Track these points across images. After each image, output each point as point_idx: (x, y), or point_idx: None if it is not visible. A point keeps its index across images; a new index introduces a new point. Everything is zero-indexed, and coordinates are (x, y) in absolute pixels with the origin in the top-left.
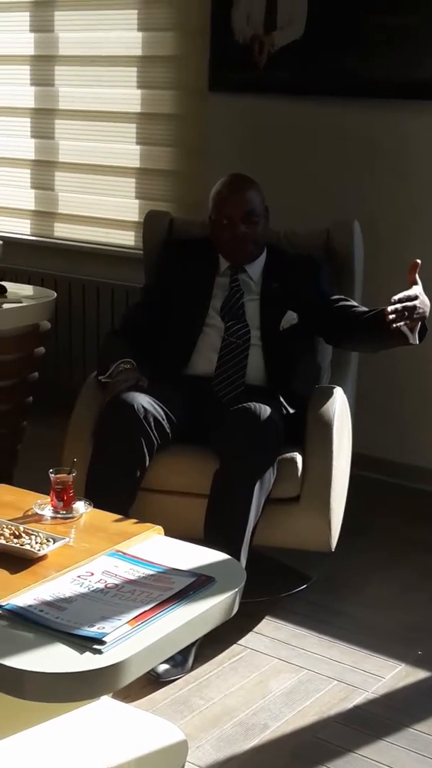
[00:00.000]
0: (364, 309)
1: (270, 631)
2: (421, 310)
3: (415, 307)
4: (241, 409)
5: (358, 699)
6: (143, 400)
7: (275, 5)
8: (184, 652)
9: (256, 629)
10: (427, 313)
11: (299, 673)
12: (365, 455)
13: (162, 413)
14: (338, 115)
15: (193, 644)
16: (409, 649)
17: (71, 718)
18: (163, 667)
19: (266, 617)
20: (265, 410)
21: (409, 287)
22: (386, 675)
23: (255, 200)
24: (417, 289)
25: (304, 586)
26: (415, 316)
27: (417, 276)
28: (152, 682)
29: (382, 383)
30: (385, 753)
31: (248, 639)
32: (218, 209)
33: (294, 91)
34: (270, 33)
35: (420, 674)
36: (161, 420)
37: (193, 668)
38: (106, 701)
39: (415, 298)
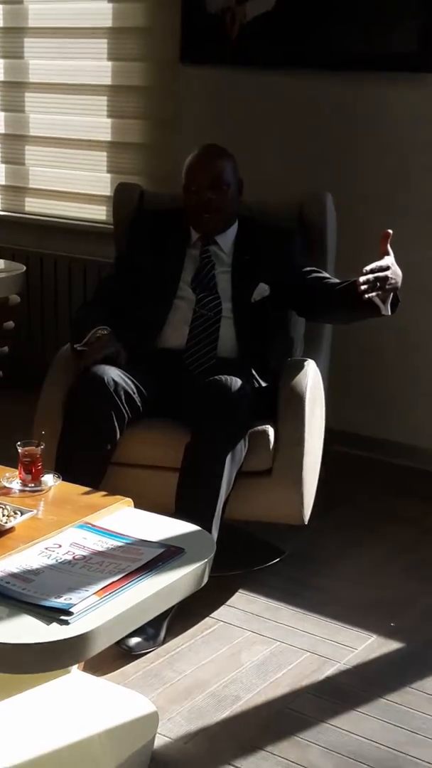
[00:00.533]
0: (336, 281)
1: (243, 604)
2: (393, 281)
3: (386, 277)
4: (211, 382)
5: (330, 670)
6: (113, 374)
7: None
8: (156, 626)
9: (229, 602)
10: (399, 284)
11: (271, 645)
12: (342, 431)
13: (133, 387)
14: (311, 86)
15: (165, 617)
16: (381, 621)
17: (42, 691)
18: (135, 640)
19: (239, 590)
20: (236, 382)
21: (381, 258)
22: (358, 646)
23: (224, 168)
24: (389, 260)
25: (278, 559)
26: (387, 286)
27: (389, 247)
28: (124, 655)
29: (361, 358)
30: (357, 723)
31: (221, 612)
32: (188, 177)
33: (266, 62)
34: (242, 3)
35: (392, 645)
36: (132, 393)
37: (165, 641)
38: (76, 674)
39: (387, 268)
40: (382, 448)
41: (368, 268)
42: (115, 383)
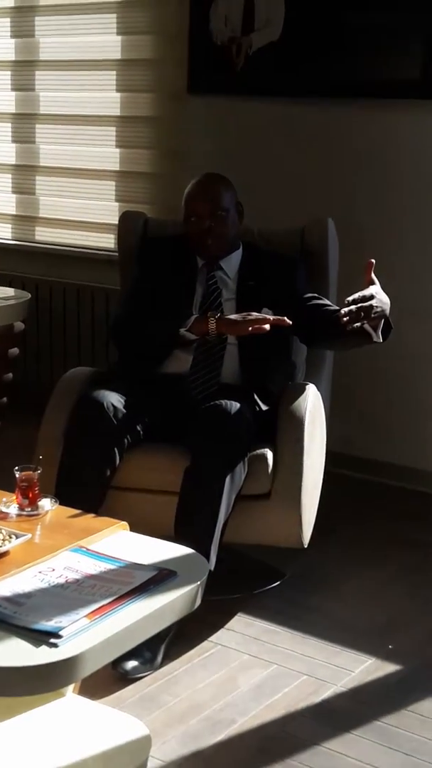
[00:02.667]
0: (335, 308)
1: (242, 627)
2: (378, 309)
3: (371, 306)
4: (212, 407)
5: (327, 693)
6: (113, 399)
7: (253, 7)
8: (153, 650)
9: (227, 626)
10: (387, 311)
11: (269, 668)
12: (344, 454)
13: (133, 411)
14: (315, 115)
15: (162, 641)
16: (380, 644)
17: (37, 714)
18: (132, 664)
19: (239, 614)
20: (236, 407)
21: (365, 287)
22: (356, 669)
23: (222, 195)
24: (373, 289)
25: (278, 582)
26: (372, 315)
27: (373, 275)
28: (121, 679)
29: (363, 381)
30: (353, 746)
31: (219, 636)
32: (187, 207)
33: (272, 92)
34: (248, 34)
35: (389, 668)
36: (131, 418)
37: (162, 665)
38: (71, 698)
39: (371, 297)
40: (385, 471)
41: (350, 298)
42: (115, 408)
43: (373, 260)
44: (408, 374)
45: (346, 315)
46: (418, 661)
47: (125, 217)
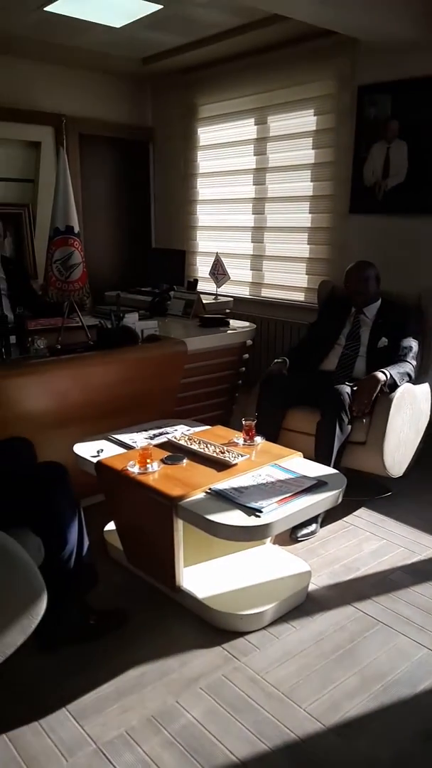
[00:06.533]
0: (397, 361)
1: (365, 515)
2: (367, 395)
3: (363, 398)
4: (332, 388)
5: (415, 558)
6: (281, 379)
7: (389, 163)
8: (315, 523)
9: (356, 513)
10: (377, 389)
11: (380, 541)
12: None
13: (295, 387)
14: (428, 227)
15: (318, 519)
16: None
17: (249, 552)
18: (302, 530)
19: (363, 507)
20: (344, 390)
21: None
22: None
23: (368, 273)
24: (357, 389)
25: (389, 493)
26: (372, 396)
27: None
28: (295, 539)
29: None
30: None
31: (351, 519)
32: (346, 279)
33: (398, 212)
34: (385, 179)
35: None
36: (293, 391)
37: (319, 532)
38: (268, 546)
39: (362, 395)
40: None
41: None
42: (280, 384)
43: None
44: None
45: (357, 410)
46: None
47: (323, 284)
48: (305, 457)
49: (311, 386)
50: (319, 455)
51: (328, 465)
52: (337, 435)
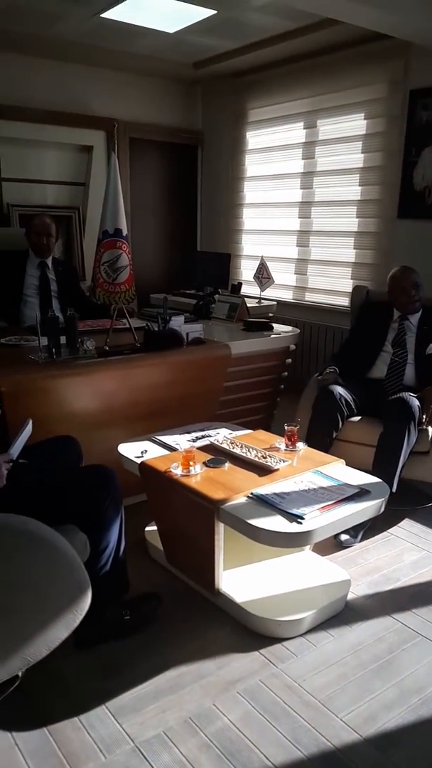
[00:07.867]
0: None
1: (407, 526)
2: None
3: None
4: (398, 398)
5: None
6: (339, 389)
7: None
8: (357, 532)
9: (399, 524)
10: None
11: (422, 552)
12: None
13: (350, 397)
14: None
15: (361, 528)
16: None
17: (288, 558)
18: (344, 537)
19: (406, 518)
20: (413, 400)
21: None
22: None
23: (411, 279)
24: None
25: (431, 504)
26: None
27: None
28: (336, 546)
29: None
30: None
31: (393, 529)
32: (390, 284)
33: None
34: None
35: None
36: (350, 401)
37: (361, 542)
38: (308, 553)
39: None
40: None
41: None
42: (340, 395)
43: None
44: None
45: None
46: None
47: (355, 289)
48: (359, 468)
49: (366, 395)
50: (382, 466)
51: (392, 475)
52: (405, 446)
